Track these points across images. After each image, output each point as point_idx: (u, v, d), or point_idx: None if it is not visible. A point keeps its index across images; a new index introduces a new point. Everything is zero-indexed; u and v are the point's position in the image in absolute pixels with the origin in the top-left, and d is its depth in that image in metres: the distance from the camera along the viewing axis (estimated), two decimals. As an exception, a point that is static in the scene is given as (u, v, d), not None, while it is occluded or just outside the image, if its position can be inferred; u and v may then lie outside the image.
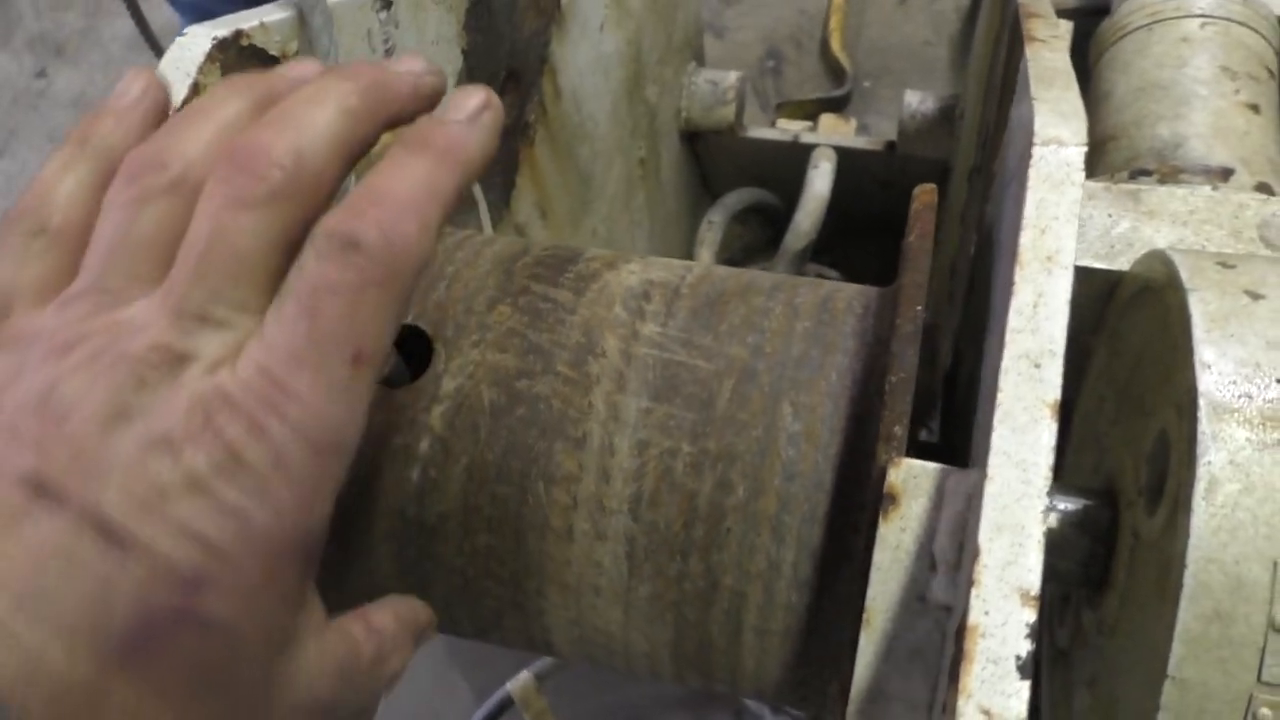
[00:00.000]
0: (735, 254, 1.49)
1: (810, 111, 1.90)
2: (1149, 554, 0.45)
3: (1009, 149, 0.49)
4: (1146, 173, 0.68)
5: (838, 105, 1.96)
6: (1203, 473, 0.39)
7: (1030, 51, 0.50)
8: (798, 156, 1.38)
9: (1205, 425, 0.40)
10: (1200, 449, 0.40)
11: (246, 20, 0.48)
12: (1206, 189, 0.67)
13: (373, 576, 0.51)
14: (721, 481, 0.46)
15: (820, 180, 1.13)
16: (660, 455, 0.47)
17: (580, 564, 0.48)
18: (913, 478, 0.38)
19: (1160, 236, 0.56)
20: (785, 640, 0.46)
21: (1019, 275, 0.36)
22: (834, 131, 1.65)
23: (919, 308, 0.42)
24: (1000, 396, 0.34)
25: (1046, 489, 0.33)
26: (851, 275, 1.45)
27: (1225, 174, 0.67)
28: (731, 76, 1.30)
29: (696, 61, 1.35)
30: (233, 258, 0.29)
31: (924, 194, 0.49)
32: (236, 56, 0.47)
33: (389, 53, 0.59)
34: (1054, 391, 0.34)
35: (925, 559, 0.38)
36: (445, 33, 0.66)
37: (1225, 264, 0.46)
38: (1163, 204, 0.57)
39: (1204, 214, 0.57)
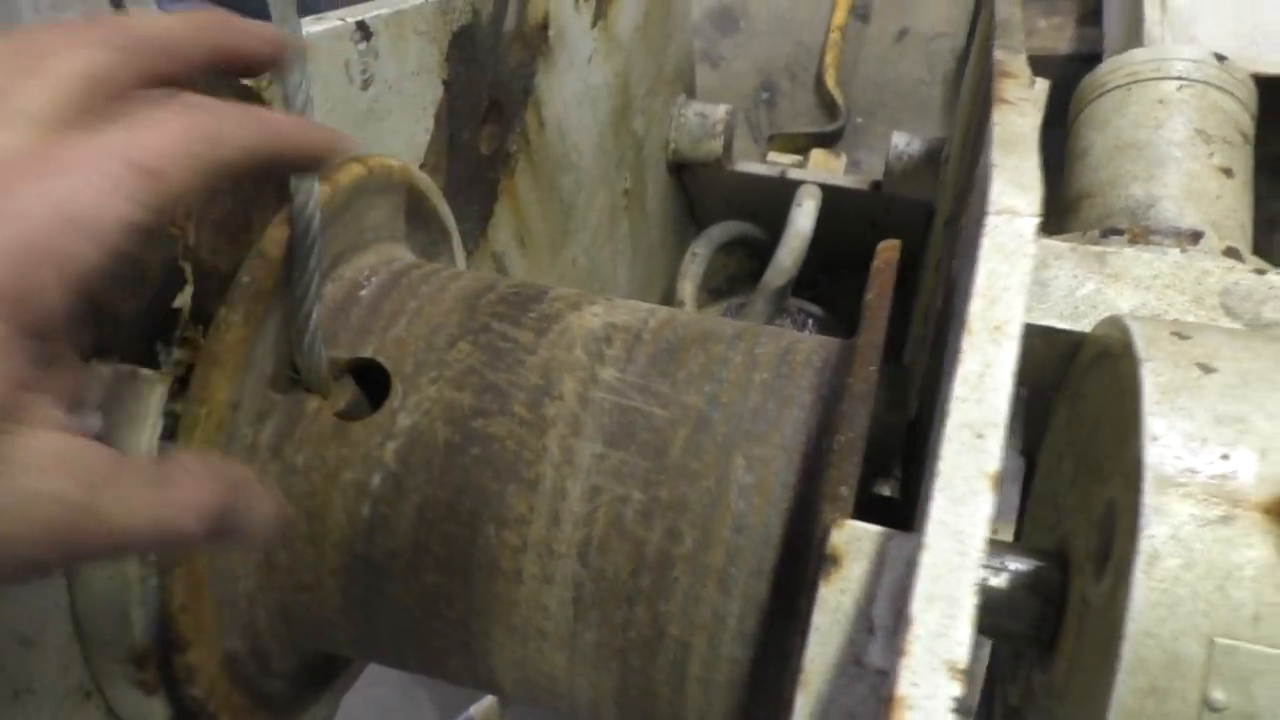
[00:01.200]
0: (720, 284, 1.50)
1: (801, 145, 1.91)
2: (1096, 621, 0.45)
3: (973, 209, 0.49)
4: (1118, 232, 0.69)
5: (829, 140, 1.97)
6: (1144, 546, 0.39)
7: (997, 114, 0.50)
8: (785, 192, 1.38)
9: (1149, 498, 0.40)
10: (1143, 521, 0.40)
11: (218, 49, 0.48)
12: (1174, 253, 0.67)
13: (321, 609, 0.51)
14: (671, 530, 0.46)
15: (803, 218, 1.14)
16: (611, 501, 0.47)
17: (527, 607, 0.48)
18: (855, 540, 0.38)
19: (1123, 300, 0.57)
20: (729, 693, 0.46)
21: (966, 343, 0.36)
22: (823, 167, 1.66)
23: (872, 368, 0.42)
24: (941, 465, 0.35)
25: (981, 561, 0.33)
26: (835, 311, 1.45)
27: (1195, 237, 0.68)
28: (720, 110, 1.30)
29: (687, 93, 1.35)
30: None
31: (885, 250, 0.49)
32: (207, 87, 0.47)
33: (367, 84, 0.59)
34: (994, 463, 0.34)
35: (864, 622, 0.38)
36: (426, 63, 0.66)
37: (1181, 334, 0.47)
38: (1127, 267, 0.58)
39: (1167, 279, 0.57)
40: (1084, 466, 0.55)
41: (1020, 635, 0.50)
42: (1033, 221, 0.38)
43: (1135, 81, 0.76)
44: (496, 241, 0.83)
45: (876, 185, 1.34)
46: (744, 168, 1.38)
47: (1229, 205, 0.71)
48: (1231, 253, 0.68)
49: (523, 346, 0.50)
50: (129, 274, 0.46)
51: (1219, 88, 0.75)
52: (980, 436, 0.35)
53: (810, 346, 0.51)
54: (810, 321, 1.43)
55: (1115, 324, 0.49)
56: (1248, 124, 0.76)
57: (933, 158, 1.25)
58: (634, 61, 1.10)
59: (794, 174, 1.38)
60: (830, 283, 1.53)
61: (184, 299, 0.49)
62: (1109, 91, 0.77)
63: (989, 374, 0.36)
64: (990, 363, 0.36)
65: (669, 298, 1.43)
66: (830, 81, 2.03)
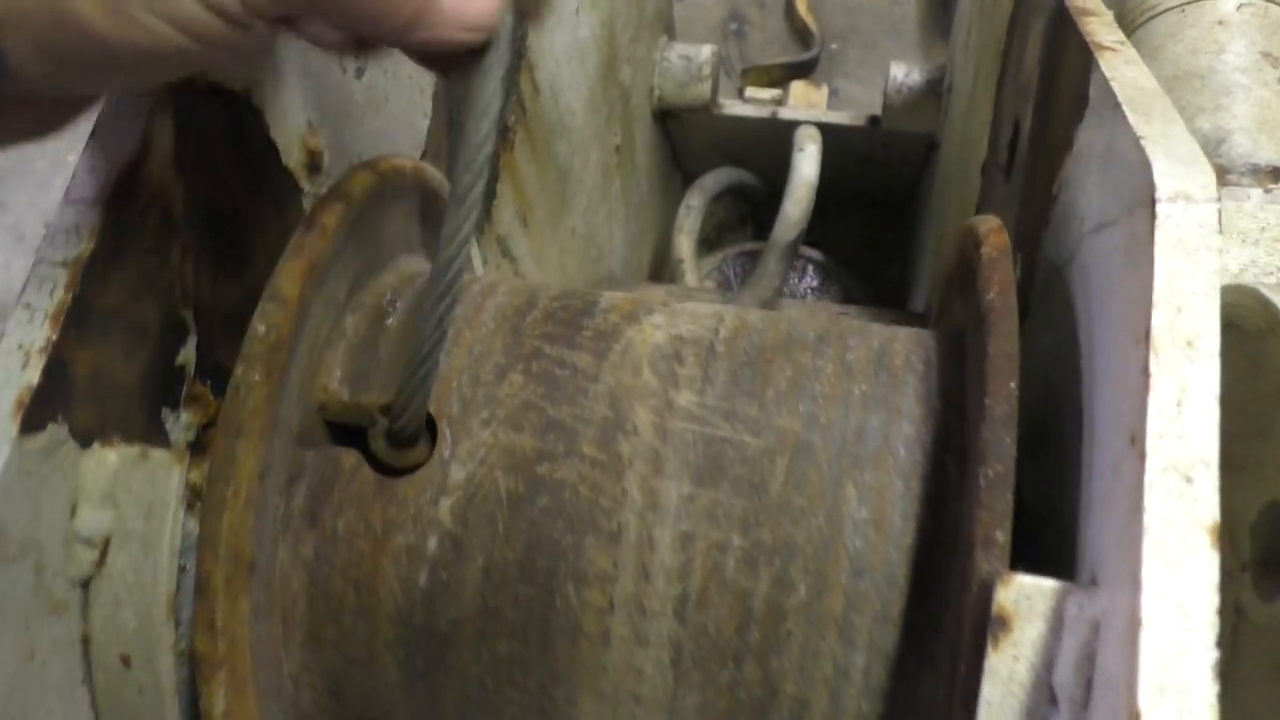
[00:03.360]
0: (710, 234, 1.43)
1: (777, 77, 1.83)
2: (1260, 638, 0.40)
3: (1089, 181, 0.43)
4: (1189, 173, 0.63)
5: (806, 69, 1.88)
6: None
7: (1105, 63, 0.44)
8: (774, 132, 1.31)
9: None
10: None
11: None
12: (1256, 194, 0.62)
13: (376, 686, 0.45)
14: (779, 578, 0.40)
15: (807, 164, 1.07)
16: (708, 550, 0.41)
17: (618, 671, 0.42)
18: (1025, 598, 0.33)
19: (1230, 258, 0.51)
20: (855, 750, 0.41)
21: (1155, 364, 0.31)
22: (806, 100, 1.58)
23: (1012, 384, 0.37)
24: (1147, 520, 0.29)
25: (1215, 638, 0.27)
26: (832, 252, 1.39)
27: (1276, 174, 0.62)
28: (705, 51, 1.22)
29: (668, 35, 1.27)
30: None
31: (991, 233, 0.43)
32: (191, 100, 0.39)
33: (360, 72, 0.52)
34: (1212, 512, 0.29)
35: (1043, 693, 0.32)
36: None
37: (1334, 307, 0.41)
38: (1229, 220, 0.52)
39: (1276, 231, 0.52)
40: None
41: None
42: (1213, 209, 0.32)
43: (1190, 2, 0.69)
44: (500, 223, 0.76)
45: (873, 120, 1.27)
46: (731, 110, 1.31)
47: (1304, 134, 0.65)
48: (1315, 188, 0.62)
49: (583, 373, 0.44)
50: (124, 336, 0.38)
51: (1279, 3, 0.69)
52: (1189, 480, 0.29)
53: (907, 345, 0.45)
54: (810, 267, 1.37)
55: (1250, 295, 0.44)
56: (1311, 41, 0.70)
57: (933, 88, 1.18)
58: (617, 7, 1.02)
59: (785, 114, 1.31)
60: (825, 224, 1.46)
61: (187, 353, 0.42)
62: (1160, 14, 0.71)
63: (1188, 400, 0.30)
64: (1187, 386, 0.30)
65: (663, 253, 1.36)
66: (802, 7, 1.95)
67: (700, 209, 1.25)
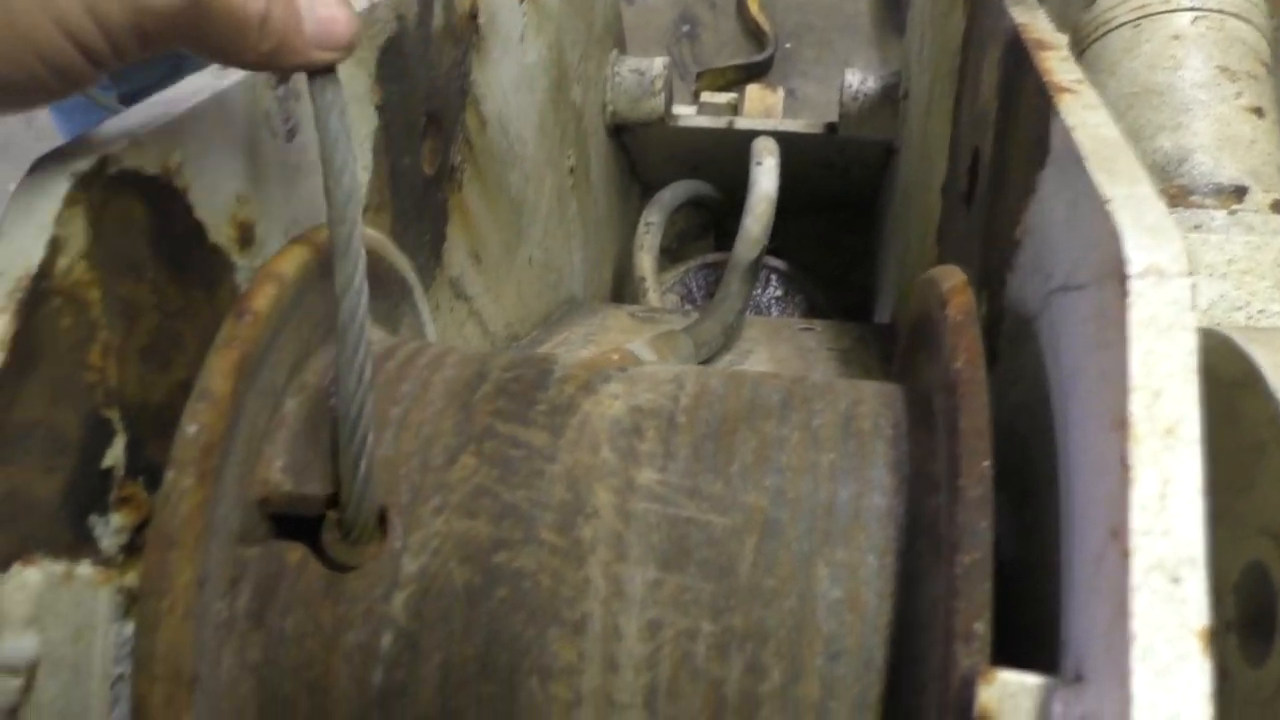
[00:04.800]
0: (671, 243, 1.41)
1: (732, 79, 1.81)
2: (1250, 711, 0.39)
3: (1054, 234, 0.41)
4: (1152, 194, 0.62)
5: (760, 70, 1.87)
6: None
7: (1064, 109, 0.42)
8: (731, 141, 1.29)
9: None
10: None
11: (111, 141, 0.38)
12: (1221, 216, 0.61)
13: (334, 791, 0.43)
14: (752, 665, 0.38)
15: (766, 179, 1.05)
16: (676, 638, 0.39)
17: (589, 767, 0.40)
18: (1009, 697, 0.31)
19: (1198, 293, 0.50)
20: (838, 839, 0.40)
21: (1135, 455, 0.29)
22: (762, 104, 1.56)
23: (985, 463, 0.35)
24: (1135, 625, 0.27)
25: (1210, 756, 0.26)
26: (794, 255, 1.37)
27: (1239, 193, 0.61)
28: (658, 64, 1.20)
29: (618, 49, 1.25)
30: None
31: (955, 292, 0.41)
32: (104, 194, 0.37)
33: (291, 133, 0.49)
34: (1201, 616, 0.27)
35: (1030, 797, 0.31)
36: (356, 91, 0.56)
37: (1309, 355, 0.40)
38: (1195, 253, 0.51)
39: (1244, 264, 0.51)
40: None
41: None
42: (1186, 284, 0.31)
43: (1144, 16, 0.68)
44: (451, 266, 0.73)
45: (830, 127, 1.26)
46: (686, 122, 1.29)
47: (1265, 150, 0.64)
48: (1278, 206, 0.61)
49: (538, 453, 0.42)
50: (42, 449, 0.36)
51: (1235, 15, 0.68)
52: (1176, 581, 0.28)
53: (874, 408, 0.44)
54: (773, 276, 1.35)
55: (1223, 343, 0.43)
56: (1267, 52, 0.69)
57: (889, 94, 1.17)
58: (564, 27, 1.00)
59: (741, 123, 1.29)
60: (785, 230, 1.45)
61: (114, 454, 0.39)
62: (1115, 29, 0.70)
63: (1171, 493, 0.29)
64: (1170, 478, 0.29)
65: (624, 270, 1.34)
66: (754, 6, 1.93)
67: (660, 225, 1.23)
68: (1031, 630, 0.38)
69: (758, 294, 1.33)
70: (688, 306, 1.31)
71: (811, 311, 1.31)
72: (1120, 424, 0.30)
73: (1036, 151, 0.45)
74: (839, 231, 1.50)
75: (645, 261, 1.20)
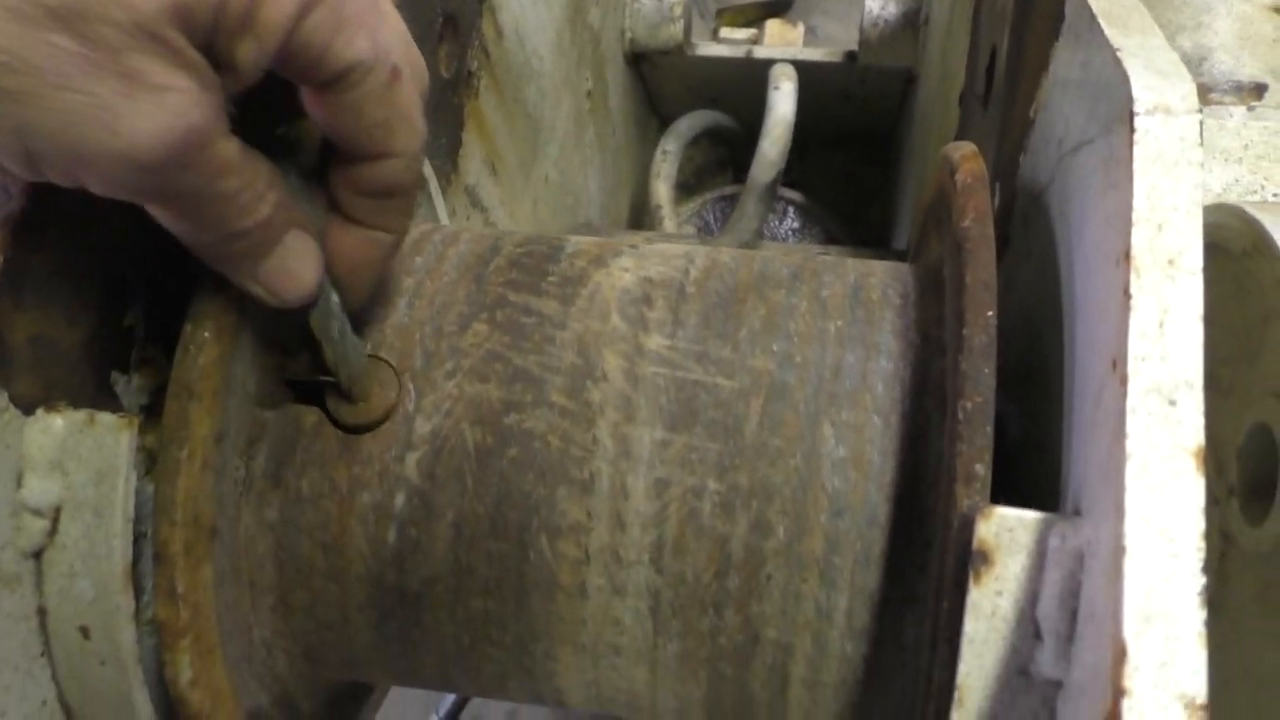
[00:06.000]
0: (689, 178, 1.41)
1: (753, 17, 1.79)
2: (1248, 564, 0.39)
3: (1066, 101, 0.41)
4: (1171, 93, 0.61)
5: (782, 8, 1.85)
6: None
7: (1078, -22, 0.42)
8: (750, 72, 1.28)
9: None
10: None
11: None
12: (1239, 112, 0.60)
13: (351, 648, 0.44)
14: (757, 522, 0.39)
15: (783, 102, 1.04)
16: (683, 495, 0.40)
17: (596, 623, 0.41)
18: (1007, 530, 0.32)
19: (1212, 177, 0.50)
20: (840, 693, 0.40)
21: (1135, 285, 0.29)
22: (782, 38, 1.55)
23: (990, 313, 0.35)
24: (1130, 444, 0.28)
25: (1202, 563, 0.27)
26: (813, 191, 1.37)
27: (1259, 90, 0.61)
28: (676, -10, 1.19)
29: (637, -26, 1.24)
30: None
31: (965, 160, 0.41)
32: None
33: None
34: (1196, 435, 0.28)
35: (1028, 627, 0.31)
36: (370, -19, 0.56)
37: (1319, 222, 0.40)
38: (1211, 139, 0.51)
39: (1260, 148, 0.50)
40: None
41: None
42: (1194, 120, 0.31)
43: (1168, -84, 0.67)
44: (468, 173, 0.74)
45: (849, 55, 1.24)
46: (705, 51, 1.28)
47: (1288, 49, 0.63)
48: (1300, 104, 0.61)
49: (549, 320, 0.42)
50: (66, 297, 0.37)
51: (1261, -86, 0.67)
52: (1173, 403, 0.28)
53: (883, 278, 0.44)
54: (791, 209, 1.35)
55: (1233, 214, 0.42)
56: (1293, -47, 0.68)
57: (910, 20, 1.16)
58: (583, -54, 0.99)
59: (760, 53, 1.28)
60: (804, 164, 1.44)
61: (134, 314, 0.40)
62: (1138, -69, 0.68)
63: (1170, 321, 0.29)
64: (1169, 307, 0.29)
65: (641, 200, 1.34)
66: (775, -57, 1.90)
67: (676, 154, 1.22)
68: (1036, 508, 0.39)
69: (775, 225, 1.32)
70: (705, 238, 1.31)
71: (829, 244, 1.31)
72: (1123, 257, 0.30)
73: (1052, 26, 0.45)
74: (859, 166, 1.49)
75: (661, 190, 1.20)
